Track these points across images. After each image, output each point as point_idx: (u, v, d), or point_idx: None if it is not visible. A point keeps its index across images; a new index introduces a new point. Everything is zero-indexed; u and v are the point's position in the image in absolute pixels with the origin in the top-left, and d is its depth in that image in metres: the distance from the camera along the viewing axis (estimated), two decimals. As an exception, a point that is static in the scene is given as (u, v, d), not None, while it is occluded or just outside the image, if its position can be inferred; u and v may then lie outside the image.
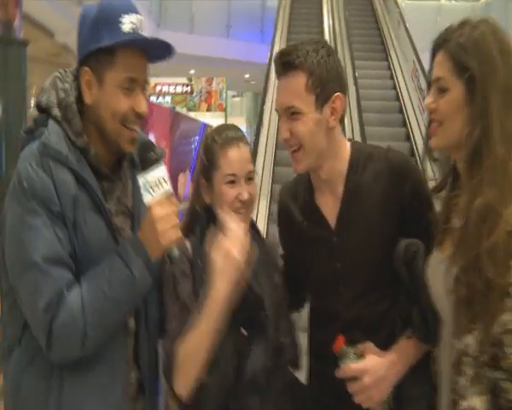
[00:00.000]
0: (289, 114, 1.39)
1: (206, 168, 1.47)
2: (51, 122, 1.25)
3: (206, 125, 10.62)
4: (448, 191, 1.33)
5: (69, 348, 1.17)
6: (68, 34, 8.49)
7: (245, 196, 1.44)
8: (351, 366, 1.33)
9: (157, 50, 1.31)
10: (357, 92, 7.05)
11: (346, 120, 6.48)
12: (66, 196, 1.19)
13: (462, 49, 1.19)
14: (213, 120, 12.34)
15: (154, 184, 1.22)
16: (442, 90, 1.22)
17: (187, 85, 13.96)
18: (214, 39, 13.08)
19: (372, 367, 1.33)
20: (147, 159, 1.29)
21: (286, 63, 1.39)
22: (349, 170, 1.47)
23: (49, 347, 1.15)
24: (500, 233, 1.11)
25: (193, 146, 9.70)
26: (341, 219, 1.47)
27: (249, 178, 1.47)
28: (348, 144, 1.51)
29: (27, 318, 1.20)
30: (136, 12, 1.29)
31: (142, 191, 1.23)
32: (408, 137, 7.62)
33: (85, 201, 1.22)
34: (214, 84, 13.93)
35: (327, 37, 9.11)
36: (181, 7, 13.19)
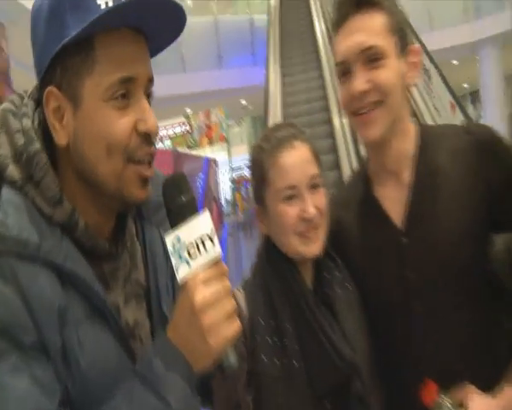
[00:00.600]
0: (367, 59, 1.18)
1: (257, 188, 1.24)
2: (6, 192, 0.81)
3: (209, 160, 10.54)
4: None
5: None
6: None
7: (310, 211, 1.16)
8: None
9: (159, 23, 0.85)
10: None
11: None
12: (45, 313, 0.78)
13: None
14: (215, 153, 12.25)
15: (193, 245, 0.80)
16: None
17: (185, 124, 13.87)
18: (207, 73, 13.09)
19: None
20: (176, 206, 0.84)
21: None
22: (418, 151, 1.24)
23: None
24: None
25: (198, 184, 9.47)
26: (411, 212, 1.22)
27: (313, 186, 1.19)
28: (413, 125, 1.29)
29: None
30: None
31: (174, 260, 0.81)
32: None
33: (78, 309, 0.81)
34: (213, 116, 13.86)
35: (320, 41, 9.07)
36: (171, 49, 13.17)
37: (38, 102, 0.88)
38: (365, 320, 1.23)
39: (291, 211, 1.17)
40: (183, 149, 12.52)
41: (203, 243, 0.79)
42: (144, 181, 0.86)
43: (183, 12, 0.84)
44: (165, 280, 0.99)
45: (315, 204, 1.18)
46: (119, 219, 0.94)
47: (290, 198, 1.18)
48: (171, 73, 11.94)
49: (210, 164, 10.49)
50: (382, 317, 1.25)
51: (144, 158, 0.85)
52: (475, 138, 1.20)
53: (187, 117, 13.98)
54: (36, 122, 0.86)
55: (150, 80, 0.88)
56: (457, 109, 7.24)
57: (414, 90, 7.63)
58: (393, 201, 1.25)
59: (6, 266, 0.76)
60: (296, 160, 1.19)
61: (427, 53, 7.57)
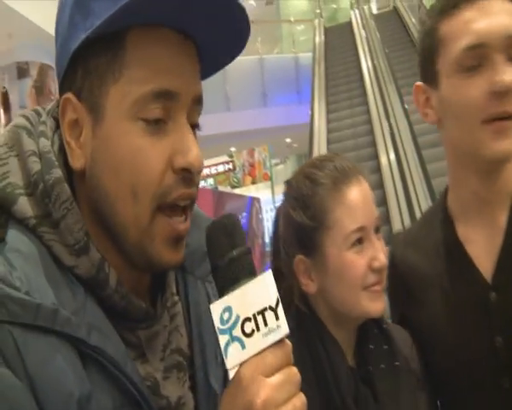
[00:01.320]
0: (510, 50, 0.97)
1: (309, 234, 1.01)
2: (13, 234, 0.63)
3: (252, 199, 10.44)
4: None
5: None
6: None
7: (382, 259, 1.00)
8: None
9: (214, 27, 0.66)
10: (410, 126, 6.84)
11: (403, 159, 6.42)
12: (60, 407, 0.57)
13: None
14: (259, 192, 12.40)
15: (250, 319, 0.59)
16: None
17: (228, 163, 13.93)
18: (251, 111, 13.09)
19: None
20: (225, 263, 0.62)
21: None
22: None
23: None
24: None
25: (241, 223, 9.45)
26: (504, 263, 1.03)
27: (377, 229, 1.03)
28: None
29: None
30: None
31: (222, 338, 0.60)
32: None
33: (104, 398, 0.61)
34: (256, 154, 13.89)
35: (367, 78, 9.11)
36: (215, 88, 13.38)
37: (57, 121, 0.70)
38: (417, 406, 1.06)
39: (362, 260, 1.00)
40: (225, 189, 12.51)
41: (264, 317, 0.59)
42: (178, 239, 0.67)
43: (246, 17, 0.66)
44: (213, 347, 0.80)
45: (383, 250, 1.02)
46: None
47: (360, 243, 1.00)
48: (215, 112, 12.03)
49: (253, 203, 10.38)
50: (455, 390, 1.09)
51: (180, 203, 0.66)
52: None
53: (230, 156, 14.04)
54: (56, 145, 0.69)
55: (198, 101, 0.68)
56: None
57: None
58: (482, 247, 1.06)
59: (8, 340, 0.57)
60: (365, 197, 1.02)
61: None
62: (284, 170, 19.36)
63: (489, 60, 0.98)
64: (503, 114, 0.98)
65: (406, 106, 7.23)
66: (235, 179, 13.71)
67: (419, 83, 1.10)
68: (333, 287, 1.03)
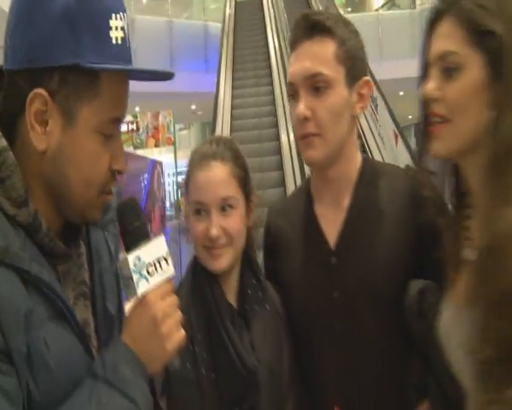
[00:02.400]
0: (312, 86, 1.17)
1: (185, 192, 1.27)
2: None
3: (155, 162, 10.36)
4: (455, 212, 1.07)
5: None
6: None
7: (213, 232, 1.18)
8: None
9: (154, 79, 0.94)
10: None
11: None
12: (12, 319, 0.76)
13: (481, 8, 0.91)
14: (162, 155, 12.20)
15: (151, 264, 0.90)
16: (451, 71, 0.95)
17: (132, 123, 13.60)
18: None
19: None
20: (132, 229, 0.92)
21: (313, 25, 1.18)
22: (359, 181, 1.27)
23: None
24: None
25: (142, 185, 9.36)
26: (344, 235, 1.25)
27: (224, 208, 1.20)
28: (359, 152, 1.31)
29: None
30: (125, 10, 0.87)
31: (135, 276, 0.88)
32: (363, 149, 7.48)
33: (42, 311, 0.81)
34: (161, 118, 13.67)
35: (273, 57, 9.27)
36: None
37: None
38: (280, 338, 1.27)
39: (199, 226, 1.21)
40: (128, 149, 12.34)
41: (159, 263, 0.91)
42: (105, 206, 0.95)
43: (172, 75, 0.93)
44: (110, 281, 1.01)
45: (223, 226, 1.20)
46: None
47: (198, 213, 1.22)
48: None
49: (155, 166, 10.30)
50: (304, 330, 1.27)
51: (112, 189, 0.93)
52: (412, 185, 1.20)
53: (135, 116, 13.75)
54: None
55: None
56: (400, 139, 7.51)
57: (361, 117, 8.01)
58: (330, 221, 1.26)
59: None
60: (209, 180, 1.21)
61: (376, 82, 7.81)
62: (188, 136, 19.12)
63: (297, 93, 1.20)
64: (305, 134, 1.20)
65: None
66: (138, 140, 13.45)
67: None
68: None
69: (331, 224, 1.26)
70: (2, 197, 0.80)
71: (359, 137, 7.52)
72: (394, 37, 13.19)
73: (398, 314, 1.13)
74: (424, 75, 1.01)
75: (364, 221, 1.24)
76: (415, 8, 15.00)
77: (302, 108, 1.18)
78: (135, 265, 0.89)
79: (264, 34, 10.29)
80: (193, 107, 14.79)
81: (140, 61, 13.14)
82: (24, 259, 0.79)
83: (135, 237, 0.91)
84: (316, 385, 1.26)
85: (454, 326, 0.99)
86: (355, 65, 1.19)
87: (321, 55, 1.17)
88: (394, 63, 12.35)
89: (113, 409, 0.82)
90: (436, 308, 1.04)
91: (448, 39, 0.95)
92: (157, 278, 0.90)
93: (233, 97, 8.85)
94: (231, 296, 1.27)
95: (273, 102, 8.30)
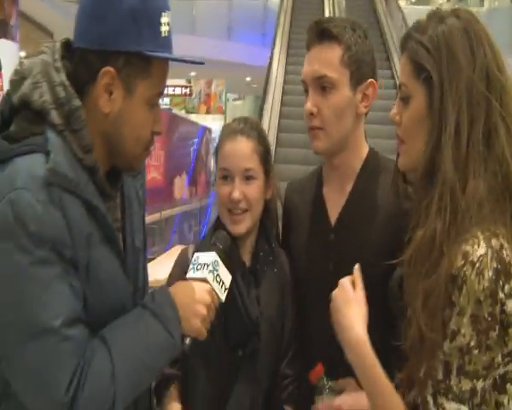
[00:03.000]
0: (319, 86, 1.31)
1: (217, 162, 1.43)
2: (51, 134, 0.96)
3: (205, 128, 10.60)
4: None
5: None
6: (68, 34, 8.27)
7: (235, 194, 1.34)
8: (325, 403, 1.20)
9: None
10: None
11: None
12: (79, 236, 0.96)
13: (423, 47, 1.01)
14: (213, 122, 12.30)
15: (201, 265, 1.14)
16: (405, 100, 1.07)
17: (186, 87, 13.85)
18: (215, 41, 12.98)
19: (348, 407, 1.18)
20: (212, 243, 1.21)
21: (322, 32, 1.31)
22: (362, 171, 1.39)
23: None
24: (440, 275, 0.91)
25: (191, 149, 9.65)
26: (343, 217, 1.39)
27: (247, 177, 1.36)
28: (367, 146, 1.43)
29: (26, 397, 0.94)
30: (169, 8, 1.05)
31: (191, 265, 1.15)
32: None
33: (97, 236, 1.00)
34: (213, 86, 13.82)
35: None
36: (182, 8, 13.01)
37: (62, 57, 1.03)
38: (284, 298, 1.41)
39: (224, 189, 1.37)
40: (180, 112, 12.60)
41: (205, 268, 1.13)
42: (144, 160, 1.16)
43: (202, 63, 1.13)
44: (138, 221, 1.18)
45: (244, 191, 1.35)
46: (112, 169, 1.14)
47: (225, 178, 1.37)
48: (179, 33, 11.85)
49: (205, 132, 10.54)
50: (303, 296, 1.42)
51: (150, 147, 1.12)
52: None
53: (189, 81, 13.94)
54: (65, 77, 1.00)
55: None
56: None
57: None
58: (334, 203, 1.40)
59: (56, 197, 0.93)
60: (237, 149, 1.37)
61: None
62: (242, 106, 19.12)
63: (308, 90, 1.34)
64: (312, 127, 1.34)
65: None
66: (190, 105, 13.72)
67: None
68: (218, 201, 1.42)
69: (334, 205, 1.40)
70: (75, 144, 0.99)
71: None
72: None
73: (383, 292, 1.20)
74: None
75: (362, 207, 1.37)
76: (482, 6, 14.64)
77: (309, 104, 1.32)
78: (194, 260, 1.15)
79: (322, 13, 10.23)
80: (248, 79, 14.81)
81: (198, 29, 13.30)
82: (88, 192, 0.98)
83: (209, 247, 1.19)
84: (308, 346, 1.40)
85: None
86: (360, 68, 1.31)
87: (327, 60, 1.30)
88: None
89: (155, 335, 1.01)
90: None
91: (402, 73, 1.07)
92: (200, 274, 1.12)
93: (286, 73, 8.80)
94: (246, 256, 1.42)
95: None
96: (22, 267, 0.89)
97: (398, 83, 1.13)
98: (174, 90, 13.77)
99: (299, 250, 1.45)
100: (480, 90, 0.96)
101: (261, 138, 1.42)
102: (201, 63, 1.12)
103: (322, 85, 1.30)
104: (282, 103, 7.91)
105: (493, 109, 0.96)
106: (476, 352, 0.89)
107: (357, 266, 1.13)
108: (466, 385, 0.90)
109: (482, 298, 0.88)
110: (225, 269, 1.15)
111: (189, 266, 1.14)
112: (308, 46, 1.35)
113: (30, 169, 0.93)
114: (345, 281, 1.11)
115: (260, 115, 7.14)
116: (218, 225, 1.41)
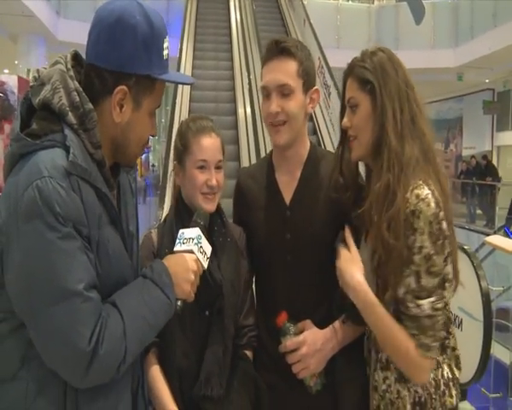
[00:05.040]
0: (281, 92, 1.57)
1: (180, 153, 1.61)
2: (68, 132, 1.12)
3: None
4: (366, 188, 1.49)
5: (105, 375, 1.10)
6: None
7: (213, 181, 1.56)
8: (292, 340, 1.48)
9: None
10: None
11: (258, 118, 6.34)
12: (92, 217, 1.11)
13: (365, 69, 1.41)
14: None
15: (187, 239, 1.32)
16: (354, 107, 1.44)
17: None
18: None
19: (310, 340, 1.50)
20: (193, 221, 1.42)
21: (283, 49, 1.57)
22: (307, 159, 1.67)
23: (84, 376, 1.05)
24: (397, 209, 1.29)
25: None
26: (296, 197, 1.64)
27: (218, 167, 1.59)
28: (308, 141, 1.71)
29: (51, 353, 1.06)
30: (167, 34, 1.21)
31: (177, 242, 1.33)
32: (315, 131, 8.16)
33: (105, 218, 1.16)
34: None
35: (234, 31, 9.81)
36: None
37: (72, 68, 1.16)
38: (238, 262, 1.62)
39: (201, 177, 1.56)
40: None
41: (190, 241, 1.31)
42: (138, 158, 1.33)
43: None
44: (131, 209, 1.33)
45: (217, 179, 1.56)
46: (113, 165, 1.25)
47: (202, 168, 1.56)
48: (81, 20, 10.06)
49: None
50: (264, 261, 1.68)
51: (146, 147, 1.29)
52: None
53: None
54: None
55: None
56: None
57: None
58: (286, 185, 1.66)
59: (75, 184, 1.08)
60: (212, 144, 1.58)
61: (329, 69, 8.16)
62: None
63: (270, 95, 1.58)
64: (276, 123, 1.58)
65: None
66: None
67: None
68: (186, 186, 1.60)
69: (287, 187, 1.66)
70: (87, 141, 1.14)
71: (311, 119, 7.76)
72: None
73: (331, 254, 1.48)
74: (343, 112, 1.50)
75: (310, 188, 1.64)
76: (373, 3, 16.05)
77: (274, 106, 1.56)
78: (179, 236, 1.33)
79: (228, 9, 9.40)
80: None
81: None
82: (98, 181, 1.14)
83: (192, 223, 1.40)
84: (270, 302, 1.67)
85: (366, 260, 1.41)
86: (309, 78, 1.59)
87: (288, 71, 1.56)
88: (351, 52, 8.95)
89: (155, 299, 1.17)
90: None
91: (351, 89, 1.44)
92: (186, 247, 1.30)
93: (193, 67, 9.20)
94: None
95: (232, 77, 8.73)
96: (51, 241, 1.03)
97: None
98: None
99: (258, 224, 1.68)
100: (403, 90, 1.39)
101: (221, 136, 1.64)
102: (193, 83, 1.40)
103: (283, 91, 1.56)
104: (192, 99, 8.33)
105: (412, 101, 1.40)
106: (435, 257, 1.29)
107: (346, 229, 1.48)
108: (433, 282, 1.29)
109: (432, 219, 1.28)
110: (206, 242, 1.34)
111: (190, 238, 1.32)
112: (269, 59, 1.60)
113: (53, 161, 1.07)
114: (341, 248, 1.44)
115: (173, 109, 7.39)
116: (182, 209, 1.61)
